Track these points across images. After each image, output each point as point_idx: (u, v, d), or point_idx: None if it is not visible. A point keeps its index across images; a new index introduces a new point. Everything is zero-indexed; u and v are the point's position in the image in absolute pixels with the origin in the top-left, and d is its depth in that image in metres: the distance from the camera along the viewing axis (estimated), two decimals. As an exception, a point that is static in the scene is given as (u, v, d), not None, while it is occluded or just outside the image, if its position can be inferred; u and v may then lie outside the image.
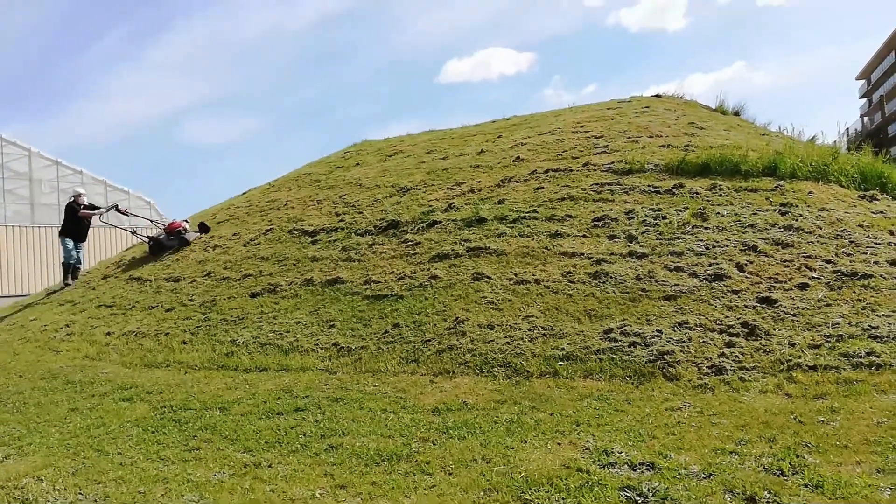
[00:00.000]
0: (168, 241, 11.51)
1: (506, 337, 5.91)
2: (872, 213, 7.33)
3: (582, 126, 11.96)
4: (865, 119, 59.92)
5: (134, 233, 13.14)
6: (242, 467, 4.13)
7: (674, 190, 8.15)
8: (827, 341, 5.03)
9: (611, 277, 6.48)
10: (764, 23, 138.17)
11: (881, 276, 5.83)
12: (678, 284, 6.15)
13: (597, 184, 8.79)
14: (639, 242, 7.03)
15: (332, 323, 7.01)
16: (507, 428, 4.36)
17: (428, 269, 7.58)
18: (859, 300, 5.54)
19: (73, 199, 12.16)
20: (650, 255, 6.74)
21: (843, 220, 7.01)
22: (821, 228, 6.83)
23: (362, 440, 4.37)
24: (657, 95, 14.50)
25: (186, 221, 12.35)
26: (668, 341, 5.35)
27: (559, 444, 4.03)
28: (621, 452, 3.79)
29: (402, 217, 9.44)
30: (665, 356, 5.17)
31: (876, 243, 6.45)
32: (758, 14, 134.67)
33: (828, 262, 6.19)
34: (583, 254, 7.06)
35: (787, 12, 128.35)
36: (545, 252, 7.30)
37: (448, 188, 10.26)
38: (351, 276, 8.05)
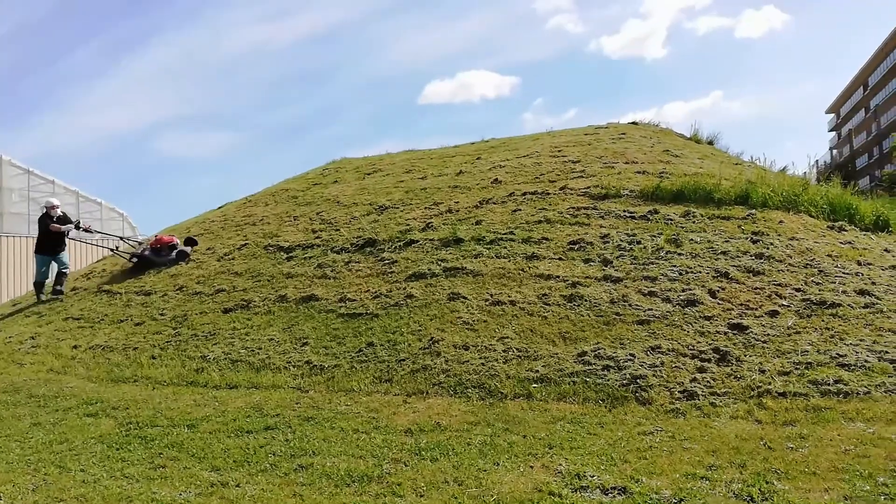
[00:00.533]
0: (158, 258, 10.67)
1: (480, 358, 5.90)
2: (841, 243, 7.50)
3: (559, 150, 12.10)
4: (834, 151, 61.61)
5: (116, 250, 12.06)
6: (209, 486, 4.04)
7: (648, 216, 8.26)
8: (796, 368, 5.10)
9: (585, 300, 6.52)
10: (741, 54, 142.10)
11: (849, 305, 5.95)
12: (652, 309, 6.21)
13: (573, 207, 8.88)
14: (613, 267, 7.10)
15: (305, 340, 6.94)
16: (480, 450, 4.33)
17: (404, 289, 7.55)
18: (828, 328, 5.64)
19: (45, 210, 11.45)
20: (624, 280, 6.80)
21: (813, 250, 7.15)
22: (791, 257, 6.97)
23: (333, 460, 4.31)
24: (633, 123, 14.76)
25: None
26: (641, 365, 5.38)
27: (532, 466, 4.02)
28: (593, 476, 3.79)
29: (380, 235, 9.42)
30: (638, 380, 5.20)
31: (844, 273, 6.59)
32: (736, 46, 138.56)
33: (797, 290, 6.31)
34: (558, 276, 7.11)
35: (764, 45, 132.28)
36: (521, 274, 7.33)
37: (426, 208, 10.28)
38: (326, 293, 8.00)
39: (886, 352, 5.17)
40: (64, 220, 11.37)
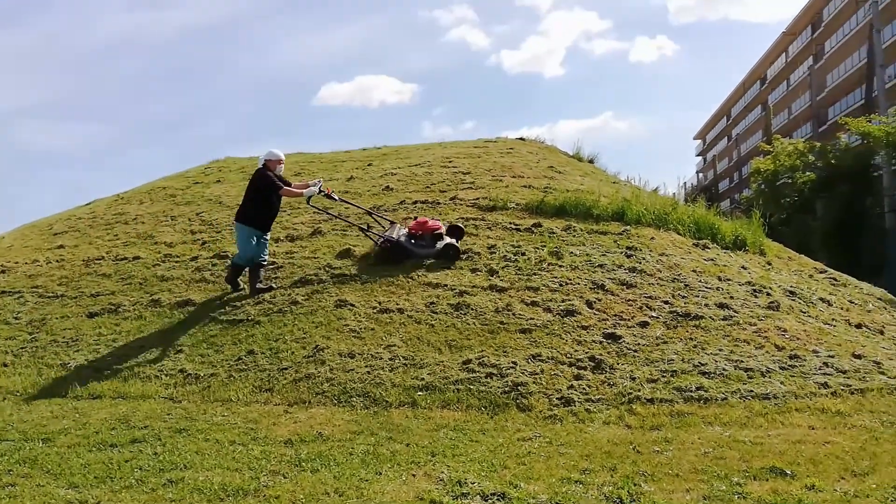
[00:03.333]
0: (417, 248, 7.77)
1: (366, 366, 5.84)
2: (704, 259, 8.10)
3: (450, 161, 12.28)
4: (701, 175, 66.65)
5: (367, 229, 8.17)
6: (64, 506, 3.71)
7: (533, 228, 8.55)
8: (663, 376, 5.45)
9: (472, 309, 6.63)
10: (633, 78, 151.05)
11: (710, 317, 6.43)
12: (533, 318, 6.42)
13: (462, 218, 9.02)
14: (499, 276, 7.27)
15: (179, 348, 6.57)
16: (363, 460, 4.27)
17: (289, 295, 7.35)
18: (691, 339, 6.07)
19: (264, 163, 7.70)
20: (509, 290, 6.99)
21: (680, 265, 7.68)
22: (660, 272, 7.44)
23: (206, 474, 4.09)
24: (521, 138, 15.23)
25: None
26: (523, 373, 5.54)
27: (414, 475, 4.01)
28: (474, 483, 3.84)
29: (265, 239, 9.12)
30: (519, 387, 5.35)
31: (707, 287, 7.12)
32: (629, 69, 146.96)
33: (665, 302, 6.74)
34: (446, 285, 7.18)
35: (654, 71, 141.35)
36: (410, 282, 7.34)
37: (315, 212, 10.07)
38: (204, 298, 7.62)
39: (742, 361, 5.63)
40: (283, 181, 7.92)
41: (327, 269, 7.84)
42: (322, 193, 7.88)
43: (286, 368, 5.95)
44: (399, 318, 6.62)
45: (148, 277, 8.43)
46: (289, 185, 7.90)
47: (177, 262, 8.86)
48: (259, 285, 7.49)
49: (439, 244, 7.74)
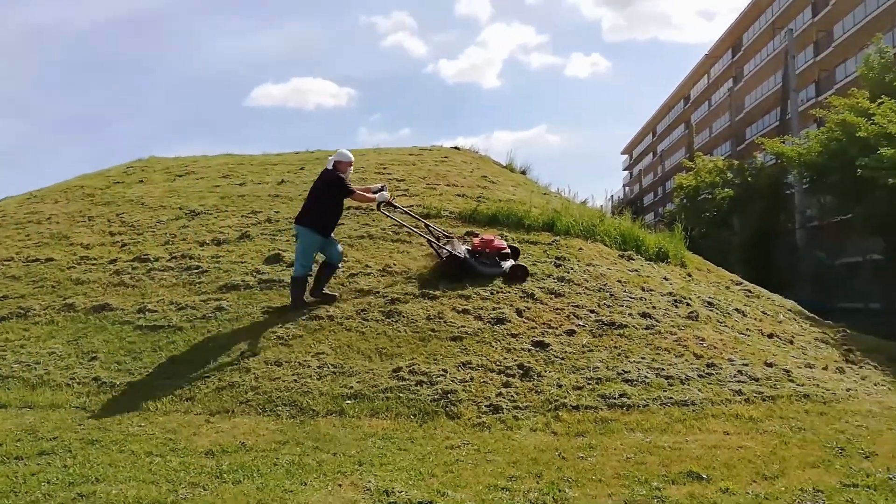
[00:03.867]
0: (481, 266, 7.40)
1: (293, 374, 5.71)
2: (629, 270, 8.35)
3: (385, 168, 12.24)
4: (627, 188, 69.00)
5: (437, 240, 7.82)
6: (-41, 525, 3.46)
7: (466, 237, 8.59)
8: (588, 383, 5.57)
9: (403, 317, 6.60)
10: (567, 92, 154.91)
11: (634, 326, 6.63)
12: (464, 326, 6.45)
13: (396, 224, 8.99)
14: (432, 284, 7.27)
15: (94, 355, 6.26)
16: (288, 470, 4.17)
17: (214, 300, 7.12)
18: (616, 347, 6.23)
19: (333, 165, 7.18)
20: (441, 297, 7.00)
21: (606, 276, 7.89)
22: (588, 281, 7.62)
23: (120, 487, 3.90)
24: (455, 147, 15.35)
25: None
26: (453, 381, 5.55)
27: (340, 485, 3.95)
28: (402, 492, 3.81)
29: (189, 242, 8.82)
30: (449, 395, 5.35)
31: (631, 297, 7.34)
32: (564, 83, 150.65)
33: (592, 311, 6.91)
34: (378, 292, 7.13)
35: (588, 86, 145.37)
36: (341, 288, 7.25)
37: (243, 216, 9.82)
38: (122, 303, 7.29)
39: (663, 368, 5.83)
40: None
41: (255, 274, 7.65)
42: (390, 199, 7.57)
43: (208, 376, 5.75)
44: (329, 325, 6.52)
45: (62, 280, 8.00)
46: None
47: (94, 264, 8.44)
48: (327, 291, 7.05)
49: (505, 264, 7.49)
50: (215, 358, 6.03)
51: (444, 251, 7.55)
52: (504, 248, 7.60)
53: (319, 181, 7.21)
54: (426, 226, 8.05)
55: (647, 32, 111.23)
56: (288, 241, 8.60)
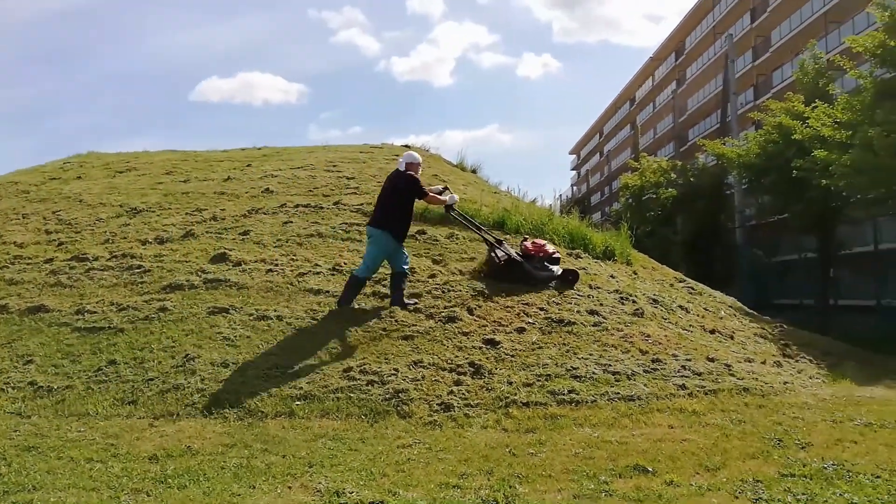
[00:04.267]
0: (535, 270, 7.42)
1: (241, 376, 5.60)
2: (577, 269, 8.49)
3: (335, 165, 12.12)
4: (575, 188, 70.09)
5: (499, 244, 7.63)
6: None
7: (417, 235, 8.60)
8: (538, 380, 5.64)
9: (354, 316, 6.55)
10: (519, 92, 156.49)
11: (581, 323, 6.74)
12: (416, 325, 6.44)
13: (346, 223, 8.92)
14: (383, 284, 7.24)
15: (29, 358, 6.00)
16: (235, 473, 4.08)
17: (157, 301, 6.91)
18: (564, 344, 6.33)
19: (404, 166, 7.03)
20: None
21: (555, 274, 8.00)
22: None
23: (59, 495, 3.75)
24: (406, 146, 15.32)
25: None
26: (404, 380, 5.54)
27: (290, 487, 3.89)
28: (353, 492, 3.78)
29: (130, 240, 8.54)
30: (400, 394, 5.34)
31: (579, 295, 7.46)
32: (515, 83, 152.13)
33: (541, 309, 7.00)
34: (328, 291, 7.05)
35: (538, 86, 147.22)
36: (290, 288, 7.14)
37: (187, 213, 9.57)
38: (59, 304, 7.00)
39: (610, 365, 5.95)
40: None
41: (200, 273, 7.47)
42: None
43: (152, 379, 5.58)
44: (278, 325, 6.42)
45: (-7, 281, 7.64)
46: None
47: (28, 263, 8.09)
48: (407, 300, 6.83)
49: (555, 268, 7.54)
50: (159, 360, 5.86)
51: (503, 255, 7.46)
52: (556, 253, 7.67)
53: (391, 183, 6.97)
54: (478, 228, 7.92)
55: (598, 34, 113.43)
56: (234, 239, 8.44)
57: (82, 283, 7.46)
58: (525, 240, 7.93)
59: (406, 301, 6.80)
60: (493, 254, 7.56)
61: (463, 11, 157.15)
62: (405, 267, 6.86)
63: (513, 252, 7.55)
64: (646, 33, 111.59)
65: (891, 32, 13.32)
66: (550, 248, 7.73)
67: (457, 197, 7.28)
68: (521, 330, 6.52)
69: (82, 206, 10.21)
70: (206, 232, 8.75)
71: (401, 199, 6.85)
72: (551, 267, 7.55)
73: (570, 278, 7.59)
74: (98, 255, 8.15)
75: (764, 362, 6.84)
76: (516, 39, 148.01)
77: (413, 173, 6.97)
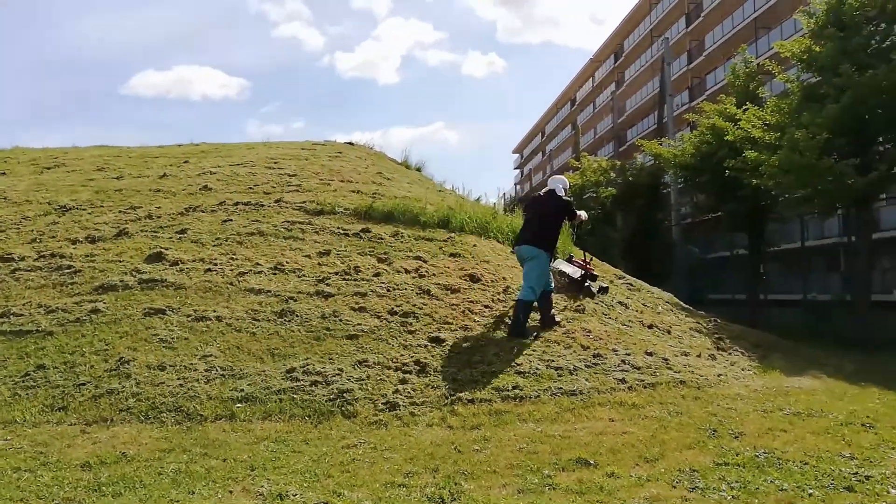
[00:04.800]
0: (589, 285, 7.93)
1: (178, 379, 5.43)
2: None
3: (276, 163, 11.89)
4: (518, 187, 70.86)
5: (570, 259, 8.50)
6: None
7: (361, 234, 8.53)
8: (483, 377, 5.68)
9: (297, 316, 6.45)
10: (464, 90, 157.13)
11: (525, 320, 6.81)
12: (361, 324, 6.39)
13: (288, 221, 8.77)
14: (326, 283, 7.15)
15: (-52, 364, 5.66)
16: (174, 479, 3.96)
17: (89, 302, 6.63)
18: (508, 340, 6.39)
19: (554, 188, 7.20)
20: (336, 296, 6.90)
21: (499, 271, 8.08)
22: (482, 277, 7.77)
23: (-20, 509, 3.56)
24: (350, 143, 15.18)
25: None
26: (349, 379, 5.48)
27: (231, 491, 3.80)
28: (296, 495, 3.72)
29: (59, 240, 8.17)
30: (345, 394, 5.29)
31: (522, 292, 7.54)
32: (460, 81, 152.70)
33: (486, 306, 7.05)
34: (270, 291, 6.92)
35: (483, 84, 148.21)
36: (230, 288, 6.97)
37: (121, 211, 9.23)
38: (-18, 306, 6.64)
39: (553, 360, 6.05)
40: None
41: (135, 273, 7.21)
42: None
43: (84, 384, 5.36)
44: (217, 326, 6.26)
45: None
46: None
47: (-54, 264, 7.63)
48: (555, 316, 6.94)
49: (595, 284, 8.04)
50: (91, 364, 5.63)
51: (580, 273, 7.95)
52: (588, 267, 8.23)
53: (550, 206, 7.17)
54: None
55: (541, 35, 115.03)
56: (171, 238, 8.18)
57: (7, 285, 7.09)
58: (571, 258, 8.50)
59: (556, 319, 6.95)
60: (585, 284, 7.88)
61: (408, 8, 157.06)
62: (552, 287, 7.05)
63: (579, 272, 7.98)
64: (588, 34, 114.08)
65: (816, 38, 14.00)
66: (585, 263, 8.24)
67: (585, 214, 7.61)
68: (466, 327, 6.55)
69: (7, 203, 9.70)
70: (141, 230, 8.45)
71: (557, 221, 7.23)
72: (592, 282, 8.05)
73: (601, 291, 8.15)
74: (24, 255, 7.76)
75: (699, 355, 7.08)
76: (462, 38, 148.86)
77: (569, 198, 7.45)
